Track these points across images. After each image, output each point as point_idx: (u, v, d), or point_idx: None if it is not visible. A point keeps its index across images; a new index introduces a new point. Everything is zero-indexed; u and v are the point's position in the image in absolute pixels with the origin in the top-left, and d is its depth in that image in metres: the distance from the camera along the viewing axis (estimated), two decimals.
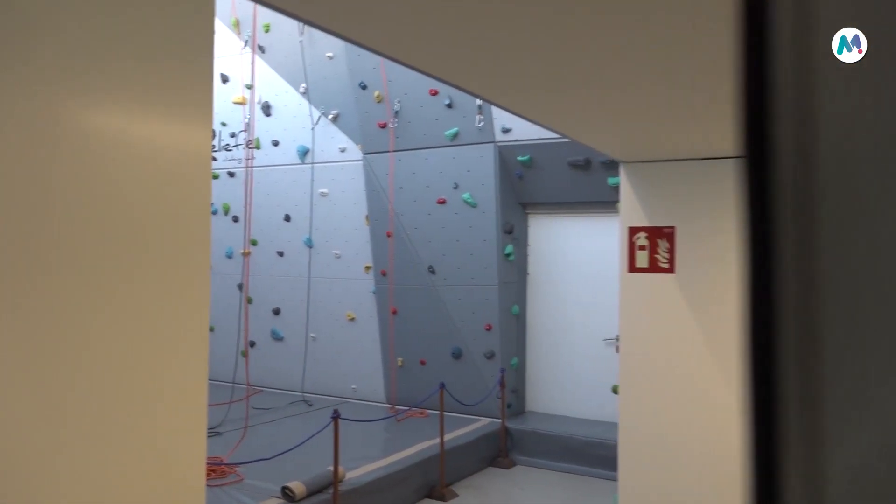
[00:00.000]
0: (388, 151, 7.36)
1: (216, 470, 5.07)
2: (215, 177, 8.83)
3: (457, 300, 7.19)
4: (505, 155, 6.95)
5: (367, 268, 7.83)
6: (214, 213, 8.89)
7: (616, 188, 5.47)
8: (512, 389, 7.17)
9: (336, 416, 4.65)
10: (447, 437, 6.07)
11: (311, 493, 4.62)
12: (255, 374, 8.56)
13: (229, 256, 8.74)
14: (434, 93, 7.03)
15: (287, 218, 8.40)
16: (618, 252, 4.56)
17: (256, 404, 7.62)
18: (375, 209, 7.58)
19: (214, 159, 8.86)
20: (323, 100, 8.06)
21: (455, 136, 7.07)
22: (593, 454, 6.33)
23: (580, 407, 7.12)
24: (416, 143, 7.23)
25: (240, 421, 6.46)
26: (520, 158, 6.88)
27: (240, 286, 8.67)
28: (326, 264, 8.13)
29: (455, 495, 5.75)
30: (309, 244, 8.22)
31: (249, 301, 8.62)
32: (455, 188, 7.12)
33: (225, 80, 8.81)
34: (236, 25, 8.68)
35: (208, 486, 4.81)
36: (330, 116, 8.01)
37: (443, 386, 5.86)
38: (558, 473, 6.44)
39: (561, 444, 6.54)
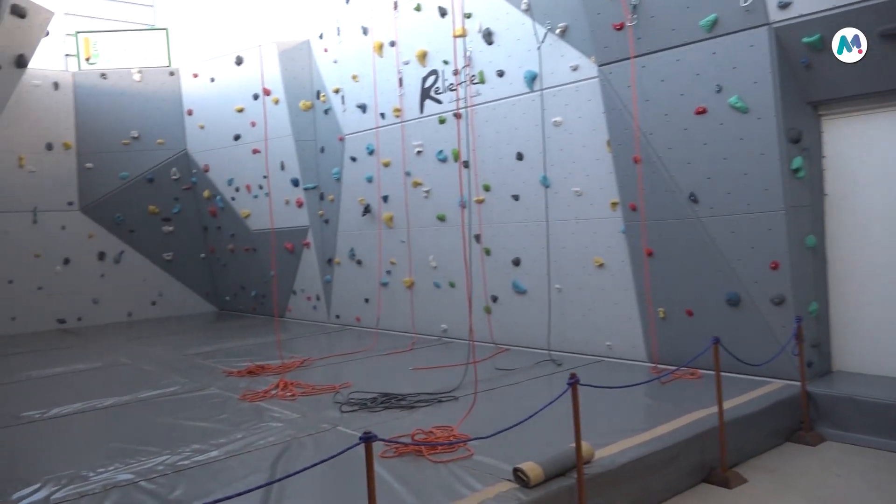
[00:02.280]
0: (627, 59, 6.03)
1: (445, 440, 4.33)
2: (442, 121, 8.16)
3: (729, 234, 5.71)
4: (784, 39, 5.27)
5: (614, 204, 6.63)
6: (444, 160, 8.24)
7: None
8: (812, 344, 5.55)
9: (574, 382, 3.62)
10: (727, 404, 4.74)
11: (549, 478, 3.66)
12: (498, 332, 7.82)
13: (463, 205, 8.05)
14: None
15: (519, 156, 7.45)
16: None
17: (500, 364, 6.86)
18: (618, 132, 6.32)
19: (439, 101, 8.20)
20: (548, 12, 6.93)
21: (713, 24, 5.53)
22: None
23: None
24: (663, 43, 5.82)
25: (481, 384, 5.72)
26: (806, 40, 5.17)
27: (477, 237, 7.96)
28: (566, 204, 7.07)
29: (743, 481, 4.44)
30: (545, 183, 7.21)
31: (487, 252, 7.88)
32: (718, 92, 5.60)
33: (443, 13, 8.05)
34: None
35: (434, 461, 4.08)
36: (557, 31, 6.86)
37: (717, 341, 4.53)
38: (888, 454, 4.79)
39: (891, 415, 4.86)
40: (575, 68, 6.79)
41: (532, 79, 7.20)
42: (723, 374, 4.63)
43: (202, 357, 8.24)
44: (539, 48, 7.05)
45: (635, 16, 5.85)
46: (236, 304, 12.41)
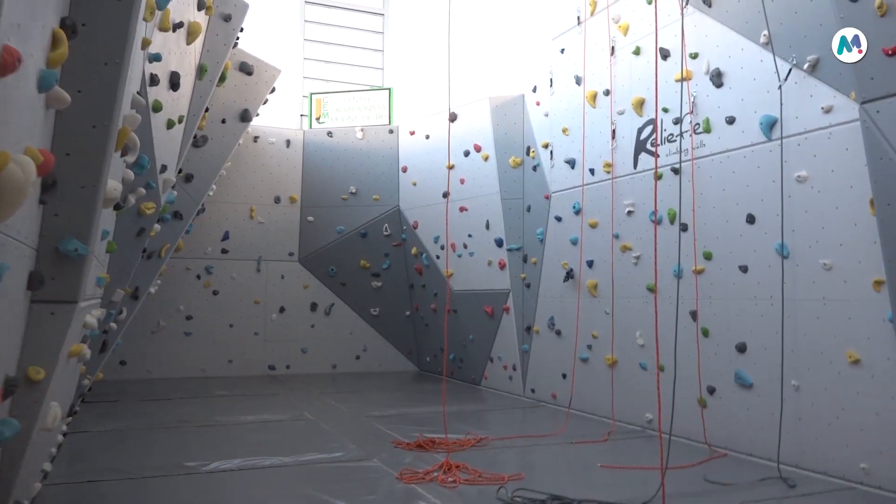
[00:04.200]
0: None
1: None
2: (659, 177, 7.07)
3: None
4: None
5: (878, 283, 5.07)
6: (658, 221, 7.10)
7: None
8: None
9: None
10: None
11: None
12: (714, 431, 6.40)
13: (678, 276, 6.82)
14: None
15: (750, 219, 6.12)
16: None
17: (712, 475, 5.48)
18: (887, 189, 4.82)
19: (657, 155, 7.15)
20: (794, 45, 5.66)
21: None
22: None
23: None
24: None
25: (684, 499, 4.47)
26: None
27: (693, 314, 6.67)
28: (811, 280, 5.59)
29: None
30: (783, 253, 5.79)
31: (705, 333, 6.55)
32: None
33: (665, 55, 7.06)
34: None
35: None
36: (805, 66, 5.55)
37: None
38: None
39: None
40: (828, 110, 5.41)
41: (770, 125, 5.91)
42: None
43: (382, 421, 7.75)
44: (780, 87, 5.76)
45: None
46: (436, 366, 11.97)
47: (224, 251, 11.73)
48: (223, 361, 11.60)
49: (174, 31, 5.44)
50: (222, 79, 7.85)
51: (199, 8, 6.29)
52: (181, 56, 5.91)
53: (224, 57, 7.14)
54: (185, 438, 6.84)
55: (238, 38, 8.09)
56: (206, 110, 7.38)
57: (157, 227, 6.94)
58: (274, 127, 12.24)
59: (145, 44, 4.13)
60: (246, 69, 8.87)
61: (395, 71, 14.04)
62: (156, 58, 4.95)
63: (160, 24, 5.02)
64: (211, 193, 10.03)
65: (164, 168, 6.00)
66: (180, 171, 7.10)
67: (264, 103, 10.00)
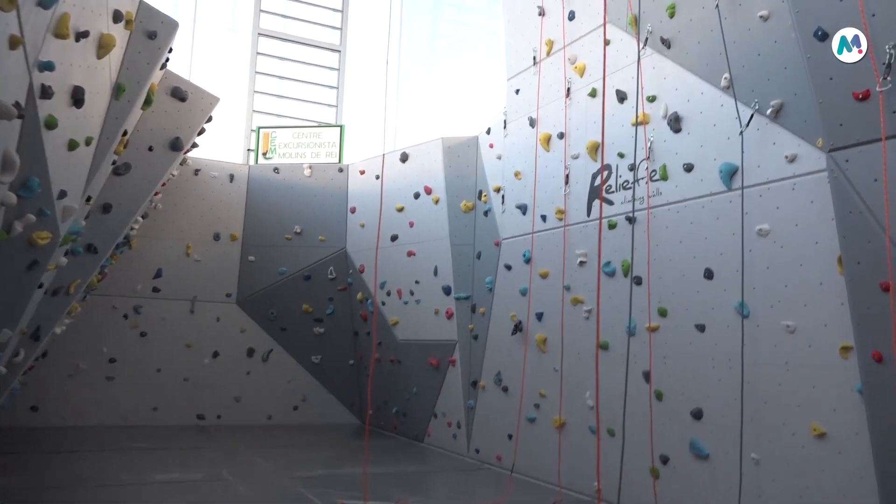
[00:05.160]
0: (876, 140, 4.18)
1: None
2: (612, 225, 6.62)
3: None
4: None
5: (846, 349, 4.60)
6: (611, 273, 6.61)
7: None
8: None
9: None
10: None
11: None
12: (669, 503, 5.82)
13: (631, 333, 6.31)
14: None
15: (708, 274, 5.65)
16: None
17: None
18: (856, 246, 4.38)
19: (610, 202, 6.70)
20: (756, 89, 5.29)
21: None
22: None
23: None
24: None
25: None
26: None
27: (646, 375, 6.14)
28: (772, 343, 5.11)
29: None
30: (742, 312, 5.32)
31: (659, 397, 6.02)
32: None
33: (622, 98, 6.68)
34: (633, 24, 6.53)
35: None
36: (768, 111, 5.17)
37: None
38: None
39: None
40: (792, 159, 5.01)
41: (731, 174, 5.50)
42: None
43: (308, 483, 7.00)
44: (742, 134, 5.37)
45: (888, 78, 4.04)
46: (380, 420, 11.22)
47: (155, 290, 10.93)
48: (147, 409, 10.70)
49: (77, 40, 4.85)
50: (148, 102, 7.25)
51: (116, 20, 5.72)
52: (89, 70, 5.30)
53: (147, 77, 6.55)
54: (74, 502, 6.01)
55: (168, 59, 7.52)
56: (125, 134, 6.74)
57: (63, 260, 6.22)
58: (217, 160, 11.60)
59: (15, 43, 3.52)
60: (179, 94, 8.27)
61: (349, 109, 13.58)
62: (47, 66, 4.35)
63: (56, 30, 4.44)
64: (136, 227, 9.31)
65: (62, 194, 5.33)
66: (89, 200, 6.41)
67: (200, 133, 9.38)
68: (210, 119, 9.24)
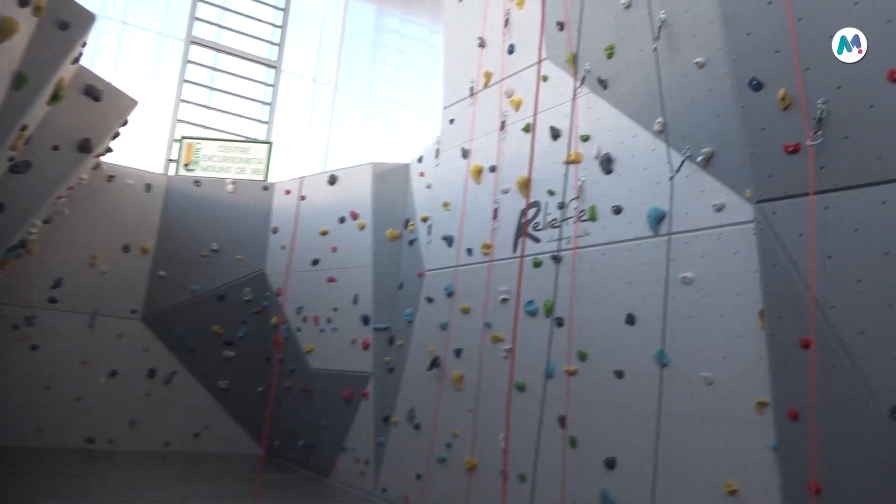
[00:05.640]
0: (804, 195, 4.13)
1: None
2: (537, 264, 6.45)
3: None
4: None
5: (762, 405, 4.51)
6: (533, 312, 6.42)
7: None
8: None
9: None
10: None
11: None
12: None
13: (549, 375, 6.12)
14: None
15: (630, 320, 5.52)
16: None
17: None
18: (779, 300, 4.31)
19: (537, 240, 6.54)
20: (689, 135, 5.24)
21: None
22: None
23: None
24: (861, 175, 3.90)
25: None
26: None
27: (561, 419, 5.93)
28: (690, 394, 4.98)
29: None
30: (662, 360, 5.19)
31: (572, 443, 5.81)
32: None
33: (556, 135, 6.57)
34: (572, 62, 6.47)
35: None
36: (699, 159, 5.12)
37: None
38: None
39: None
40: (719, 208, 4.95)
41: (658, 219, 5.41)
42: None
43: None
44: (672, 179, 5.30)
45: (820, 132, 4.01)
46: (285, 451, 10.67)
47: (52, 300, 10.17)
48: (31, 429, 9.84)
49: None
50: (56, 97, 6.73)
51: (23, 4, 5.26)
52: None
53: (55, 70, 6.06)
54: None
55: (81, 54, 7.03)
56: (24, 129, 6.20)
57: None
58: (135, 168, 11.00)
59: None
60: (93, 93, 7.75)
61: (280, 126, 13.19)
62: None
63: None
64: (35, 231, 8.64)
65: None
66: None
67: (115, 137, 8.84)
68: (126, 123, 8.72)
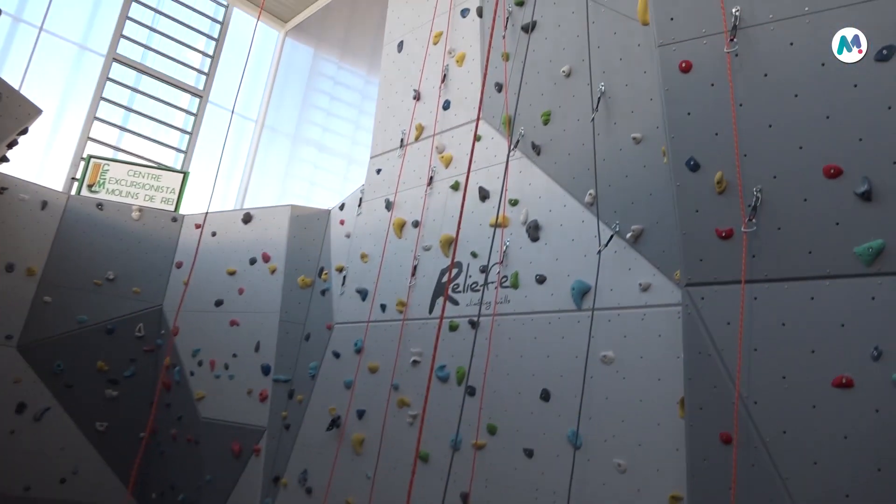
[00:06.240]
0: (735, 283, 4.00)
1: None
2: (454, 327, 6.14)
3: None
4: None
5: (675, 499, 4.27)
6: (444, 378, 6.08)
7: None
8: None
9: None
10: None
11: None
12: None
13: (456, 447, 5.74)
14: (835, 172, 3.69)
15: (545, 395, 5.25)
16: None
17: None
18: (700, 390, 4.12)
19: (455, 302, 6.25)
20: (619, 210, 5.12)
21: (878, 254, 3.55)
22: None
23: None
24: (792, 268, 3.81)
25: None
26: None
27: (463, 496, 5.54)
28: (601, 481, 4.71)
29: None
30: (575, 442, 4.92)
31: None
32: (876, 359, 3.47)
33: (485, 196, 6.37)
34: (507, 124, 6.32)
35: None
36: (628, 235, 4.98)
37: None
38: None
39: None
40: (645, 288, 4.80)
41: (583, 293, 5.22)
42: None
43: None
44: (599, 253, 5.14)
45: (754, 220, 3.91)
46: None
47: None
48: None
49: None
50: None
51: None
52: None
53: None
54: None
55: None
56: None
57: None
58: (32, 182, 10.18)
59: None
60: None
61: (199, 158, 12.60)
62: None
63: None
64: None
65: None
66: None
67: (11, 145, 8.12)
68: (26, 131, 8.03)
